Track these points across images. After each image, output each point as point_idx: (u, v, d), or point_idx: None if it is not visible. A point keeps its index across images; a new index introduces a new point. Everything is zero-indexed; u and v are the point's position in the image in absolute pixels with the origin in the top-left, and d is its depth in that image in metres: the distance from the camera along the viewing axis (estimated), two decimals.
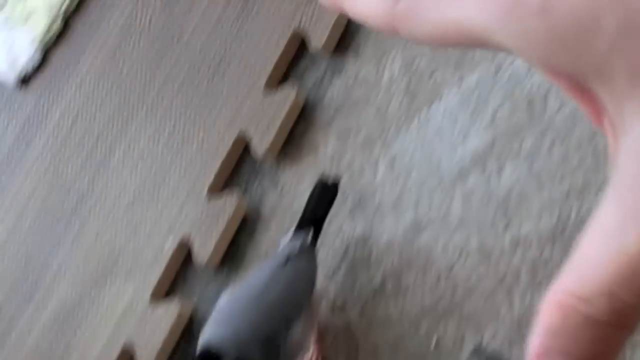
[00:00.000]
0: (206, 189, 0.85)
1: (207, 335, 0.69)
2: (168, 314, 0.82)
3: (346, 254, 0.81)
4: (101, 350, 0.85)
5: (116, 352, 0.84)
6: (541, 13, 0.17)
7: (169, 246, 0.85)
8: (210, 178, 0.85)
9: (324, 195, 0.79)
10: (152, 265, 0.85)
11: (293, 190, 0.85)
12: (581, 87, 0.19)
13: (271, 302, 0.72)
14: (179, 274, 0.86)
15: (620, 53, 0.17)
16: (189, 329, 0.83)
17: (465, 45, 0.19)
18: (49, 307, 0.89)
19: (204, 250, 0.84)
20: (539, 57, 0.18)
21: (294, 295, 0.74)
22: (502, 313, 0.74)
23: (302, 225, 0.77)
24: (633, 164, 0.17)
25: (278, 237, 0.85)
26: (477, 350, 0.74)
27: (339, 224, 0.81)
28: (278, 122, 0.84)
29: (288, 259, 0.74)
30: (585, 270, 0.18)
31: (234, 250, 0.86)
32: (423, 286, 0.77)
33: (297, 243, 0.75)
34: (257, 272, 0.76)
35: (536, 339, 0.18)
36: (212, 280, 0.86)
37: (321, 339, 0.79)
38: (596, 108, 0.19)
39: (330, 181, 0.80)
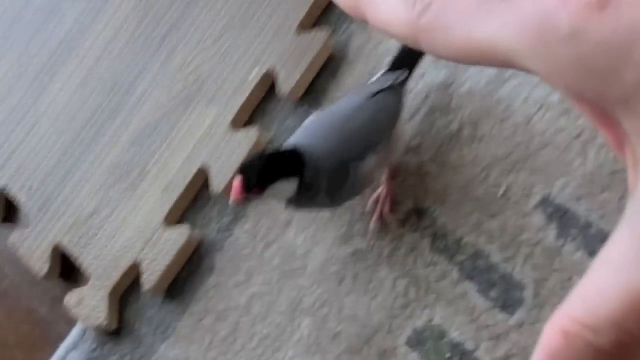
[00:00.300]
0: (297, 24, 0.88)
1: (294, 140, 0.72)
2: (246, 140, 0.86)
3: (427, 99, 0.83)
4: (178, 169, 0.90)
5: (193, 171, 0.89)
6: (572, 39, 0.16)
7: (254, 77, 0.88)
8: (301, 14, 0.87)
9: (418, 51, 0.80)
10: (236, 94, 0.89)
11: (381, 34, 0.86)
12: (604, 114, 0.18)
13: (353, 129, 0.74)
14: (261, 104, 0.90)
15: None
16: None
17: (488, 64, 0.19)
18: (131, 127, 0.94)
19: (288, 84, 0.86)
20: (565, 84, 0.17)
21: (376, 128, 0.76)
22: (574, 167, 0.75)
23: (395, 64, 0.79)
24: None
25: (361, 79, 0.87)
26: (545, 202, 0.77)
27: (424, 70, 0.83)
28: None
29: (377, 93, 0.75)
30: (594, 299, 0.17)
31: (317, 87, 0.89)
32: (499, 135, 0.79)
33: (389, 80, 0.77)
34: (346, 100, 0.78)
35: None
36: (291, 114, 0.89)
37: (392, 178, 0.83)
38: (618, 136, 0.19)
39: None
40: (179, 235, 0.88)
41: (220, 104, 0.89)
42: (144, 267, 0.89)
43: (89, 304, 0.91)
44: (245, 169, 0.67)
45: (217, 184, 0.87)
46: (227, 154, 0.87)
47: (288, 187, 0.69)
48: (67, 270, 0.95)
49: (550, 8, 0.17)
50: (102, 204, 0.93)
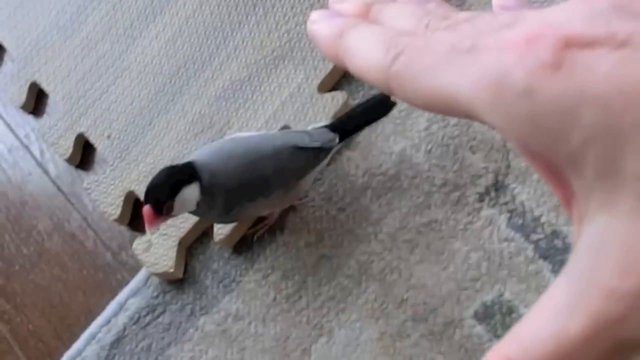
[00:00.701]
0: None
1: (196, 156, 0.75)
2: (332, 103, 0.89)
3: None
4: (259, 127, 0.92)
5: (275, 130, 0.91)
6: (525, 95, 0.17)
7: None
8: None
9: (373, 111, 0.82)
10: (326, 59, 0.91)
11: None
12: (555, 172, 0.19)
13: (260, 169, 0.75)
14: (348, 72, 0.92)
15: (593, 149, 0.17)
16: None
17: (450, 114, 0.20)
18: (218, 82, 0.97)
19: None
20: (517, 137, 0.18)
21: (279, 178, 0.76)
22: None
23: (334, 125, 0.80)
24: (588, 256, 0.18)
25: None
26: None
27: None
28: None
29: (301, 148, 0.76)
30: (526, 341, 0.19)
31: None
32: None
33: (319, 141, 0.77)
34: (270, 136, 0.79)
35: None
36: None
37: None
38: (567, 193, 0.20)
39: (389, 100, 0.82)
40: None
41: (309, 67, 0.92)
42: None
43: (157, 251, 0.93)
44: (149, 194, 0.68)
45: None
46: (311, 115, 0.89)
47: (192, 193, 0.70)
48: (137, 218, 0.98)
49: (508, 64, 0.18)
50: (181, 155, 0.95)
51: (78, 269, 1.01)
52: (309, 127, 0.82)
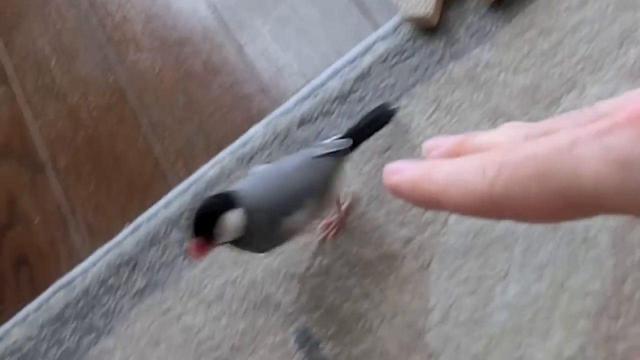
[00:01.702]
0: None
1: (235, 187, 0.80)
2: None
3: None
4: None
5: None
6: None
7: None
8: None
9: (378, 119, 0.90)
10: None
11: None
12: None
13: (288, 187, 0.81)
14: None
15: None
16: None
17: (569, 213, 0.20)
18: None
19: None
20: None
21: (308, 187, 0.82)
22: None
23: (347, 134, 0.87)
24: None
25: None
26: None
27: None
28: None
29: (320, 156, 0.83)
30: None
31: None
32: None
33: (335, 147, 0.85)
34: (290, 158, 0.86)
35: None
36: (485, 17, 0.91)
37: (346, 212, 0.93)
38: None
39: (390, 108, 0.91)
40: None
41: None
42: None
43: None
44: (195, 228, 0.73)
45: None
46: None
47: (235, 219, 0.75)
48: None
49: (628, 140, 0.19)
50: None
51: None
52: (323, 142, 0.89)
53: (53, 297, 1.10)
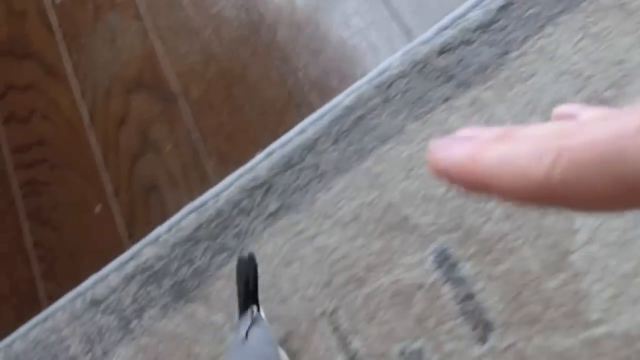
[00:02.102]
0: None
1: None
2: None
3: None
4: None
5: None
6: None
7: None
8: None
9: (247, 271, 0.93)
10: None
11: None
12: None
13: None
14: None
15: None
16: None
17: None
18: None
19: None
20: None
21: (267, 352, 0.87)
22: None
23: (243, 307, 0.91)
24: None
25: None
26: None
27: None
28: None
29: (247, 334, 0.87)
30: None
31: None
32: None
33: (246, 319, 0.89)
34: (228, 355, 0.90)
35: None
36: None
37: None
38: None
39: (246, 256, 0.93)
40: None
41: None
42: None
43: None
44: None
45: None
46: None
47: None
48: None
49: None
50: None
51: None
52: (235, 329, 0.93)
53: (185, 219, 1.14)
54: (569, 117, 0.26)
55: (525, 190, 0.20)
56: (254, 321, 0.90)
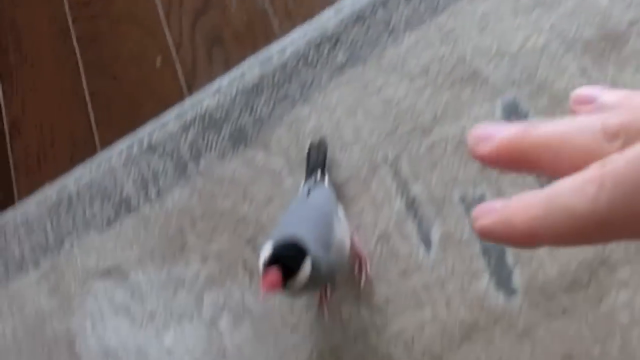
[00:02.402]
0: None
1: (285, 232, 0.81)
2: None
3: None
4: None
5: None
6: None
7: None
8: None
9: (318, 152, 0.98)
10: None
11: None
12: None
13: (312, 217, 0.87)
14: None
15: None
16: None
17: None
18: None
19: None
20: None
21: (326, 208, 0.90)
22: None
23: (309, 173, 0.96)
24: None
25: None
26: None
27: None
28: None
29: (308, 192, 0.91)
30: None
31: None
32: None
33: (311, 182, 0.93)
34: (290, 209, 0.92)
35: None
36: None
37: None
38: None
39: (318, 141, 1.00)
40: None
41: None
42: None
43: None
44: (279, 259, 0.74)
45: None
46: None
47: (307, 267, 0.77)
48: None
49: None
50: None
51: None
52: (300, 189, 0.96)
53: (248, 71, 1.15)
54: (589, 100, 0.24)
55: (574, 228, 0.18)
56: (317, 183, 0.94)
